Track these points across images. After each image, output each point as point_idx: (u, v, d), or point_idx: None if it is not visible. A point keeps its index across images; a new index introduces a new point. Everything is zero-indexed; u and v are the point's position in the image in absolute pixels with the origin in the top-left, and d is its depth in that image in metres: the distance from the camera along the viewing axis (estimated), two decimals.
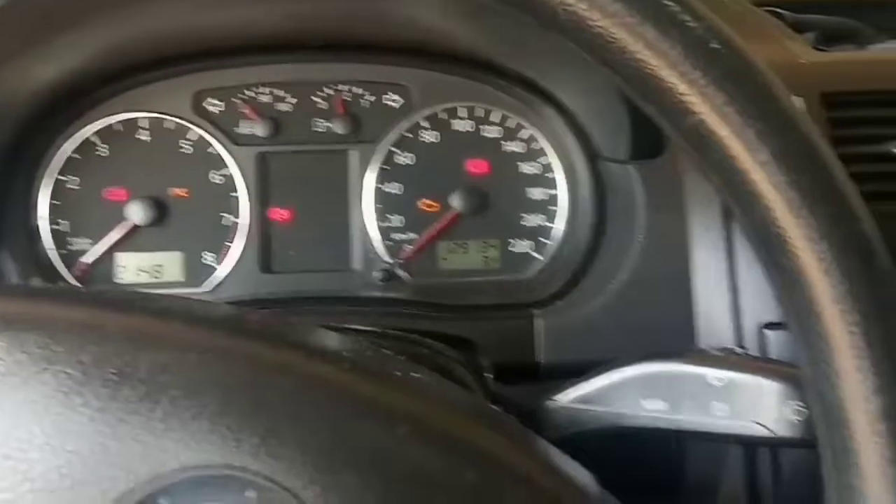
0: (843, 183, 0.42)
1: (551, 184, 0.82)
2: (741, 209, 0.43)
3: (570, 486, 0.45)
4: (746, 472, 0.70)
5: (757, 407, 0.53)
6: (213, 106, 0.81)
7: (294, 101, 0.82)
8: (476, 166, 0.82)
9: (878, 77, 0.76)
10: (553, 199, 0.81)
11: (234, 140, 0.81)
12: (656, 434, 0.56)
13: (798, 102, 0.71)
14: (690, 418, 0.55)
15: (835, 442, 0.42)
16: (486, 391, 0.65)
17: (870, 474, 0.41)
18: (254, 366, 0.43)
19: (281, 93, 0.81)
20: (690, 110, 0.42)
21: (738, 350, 0.57)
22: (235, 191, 0.80)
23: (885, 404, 0.41)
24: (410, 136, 0.82)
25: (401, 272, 0.81)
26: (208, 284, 0.80)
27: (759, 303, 0.70)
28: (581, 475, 0.46)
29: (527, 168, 0.82)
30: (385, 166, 0.81)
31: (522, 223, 0.82)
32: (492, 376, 0.66)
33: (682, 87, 0.42)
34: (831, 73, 0.76)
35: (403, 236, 0.82)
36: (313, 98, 0.82)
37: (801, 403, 0.51)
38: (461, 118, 0.82)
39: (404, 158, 0.82)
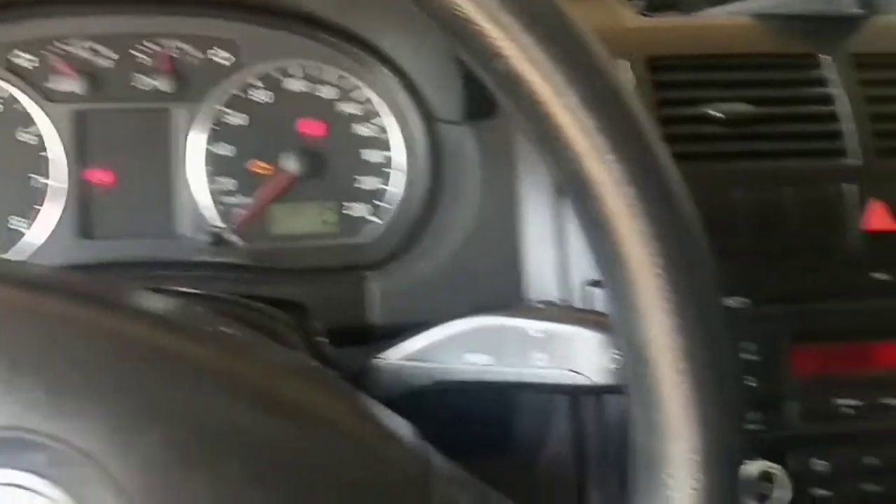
0: (650, 131, 0.43)
1: (388, 146, 0.81)
2: (552, 157, 0.43)
3: (391, 439, 0.45)
4: (572, 421, 0.72)
5: (574, 356, 0.54)
6: (24, 60, 0.76)
7: (115, 56, 0.77)
8: (310, 128, 0.80)
9: (700, 42, 0.78)
10: (389, 162, 0.80)
11: (48, 97, 0.76)
12: (481, 387, 0.56)
13: (623, 65, 0.73)
14: (513, 370, 0.55)
15: (640, 382, 0.43)
16: (316, 353, 0.63)
17: (672, 413, 0.42)
18: (46, 322, 0.41)
19: (100, 47, 0.77)
20: (500, 54, 0.41)
21: (559, 303, 0.58)
22: (46, 151, 0.76)
23: (687, 345, 0.42)
24: (241, 95, 0.79)
25: (231, 236, 0.79)
26: (19, 252, 0.75)
27: (585, 260, 0.72)
28: (402, 428, 0.46)
29: (363, 130, 0.81)
30: (215, 126, 0.78)
31: (358, 186, 0.80)
32: (325, 339, 0.65)
33: (493, 32, 0.42)
34: (656, 38, 0.78)
35: (235, 200, 0.79)
36: (135, 53, 0.78)
37: (616, 351, 0.52)
38: (294, 77, 0.80)
39: (235, 119, 0.79)
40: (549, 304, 0.58)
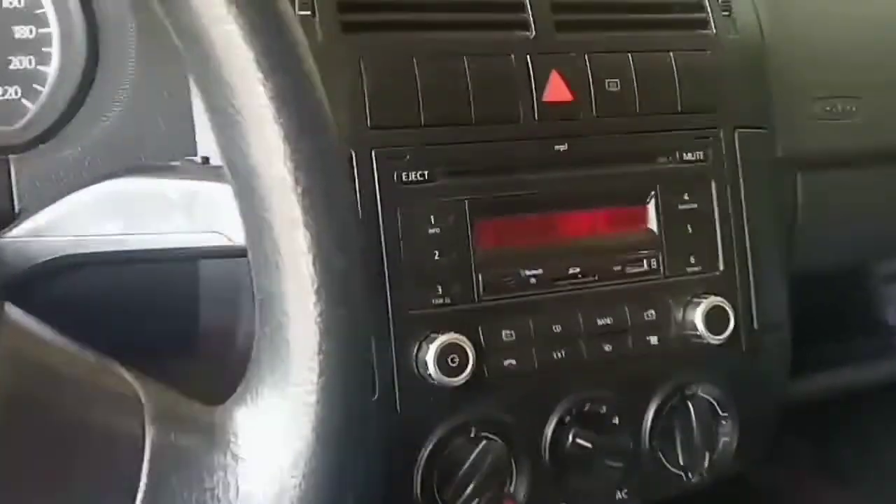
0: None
1: (41, 21, 0.72)
2: None
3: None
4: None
5: (217, 216, 0.50)
6: None
7: None
8: None
9: None
10: (43, 39, 0.72)
11: None
12: (120, 259, 0.51)
13: None
14: (151, 236, 0.50)
15: (253, 216, 0.39)
16: None
17: (286, 249, 0.39)
18: None
19: None
20: None
21: (199, 160, 0.54)
22: None
23: (308, 203, 0.38)
24: None
25: None
26: None
27: None
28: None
29: (13, 2, 0.71)
30: None
31: (10, 67, 0.71)
32: None
33: None
34: None
35: None
36: None
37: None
38: None
39: None
40: (190, 161, 0.53)
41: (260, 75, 0.37)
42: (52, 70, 0.71)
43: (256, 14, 0.38)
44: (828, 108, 0.91)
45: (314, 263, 0.37)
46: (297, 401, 0.37)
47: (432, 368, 0.68)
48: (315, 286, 0.37)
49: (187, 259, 0.57)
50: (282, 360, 0.38)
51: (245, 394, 0.39)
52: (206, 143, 0.68)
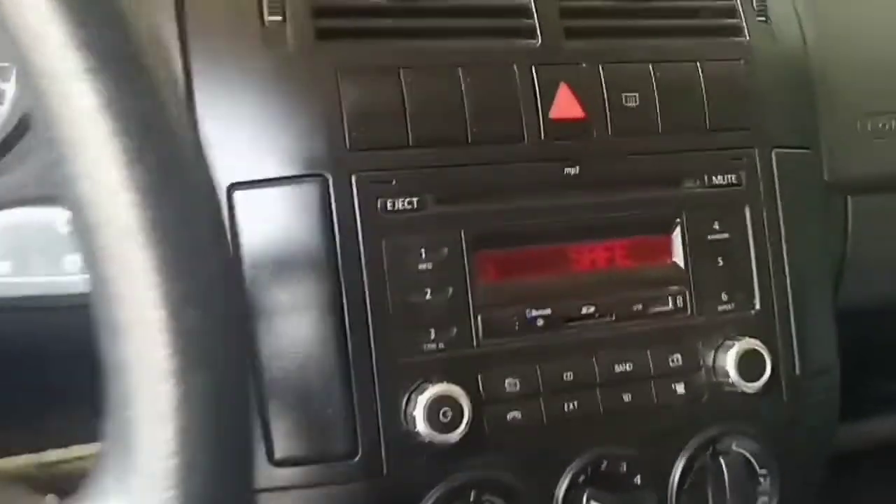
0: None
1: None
2: None
3: None
4: None
5: None
6: None
7: None
8: None
9: None
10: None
11: None
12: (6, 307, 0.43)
13: None
14: (38, 280, 0.42)
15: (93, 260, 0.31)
16: None
17: (132, 336, 0.31)
18: None
19: None
20: None
21: None
22: None
23: (157, 251, 0.30)
24: None
25: None
26: None
27: (227, 164, 0.60)
28: None
29: None
30: None
31: None
32: None
33: None
34: None
35: None
36: None
37: None
38: None
39: None
40: None
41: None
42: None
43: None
44: (881, 125, 0.82)
45: (163, 322, 0.29)
46: (146, 495, 0.29)
47: (422, 424, 0.59)
48: (164, 349, 0.29)
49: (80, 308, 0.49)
50: (126, 444, 0.30)
51: (89, 489, 0.30)
52: None
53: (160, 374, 0.29)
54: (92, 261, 0.30)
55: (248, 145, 0.60)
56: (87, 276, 0.41)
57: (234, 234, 0.60)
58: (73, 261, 0.41)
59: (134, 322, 0.29)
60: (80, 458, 0.92)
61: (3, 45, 0.31)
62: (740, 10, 0.73)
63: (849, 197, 0.81)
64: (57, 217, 0.41)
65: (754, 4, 0.74)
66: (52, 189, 0.48)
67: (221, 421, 0.30)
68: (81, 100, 0.29)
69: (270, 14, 0.60)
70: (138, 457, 0.29)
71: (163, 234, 0.29)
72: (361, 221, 0.60)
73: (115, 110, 0.29)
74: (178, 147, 0.31)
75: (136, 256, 0.29)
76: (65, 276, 0.41)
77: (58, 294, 0.42)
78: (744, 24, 0.73)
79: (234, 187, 0.60)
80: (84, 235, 0.30)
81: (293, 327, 0.59)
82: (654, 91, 0.67)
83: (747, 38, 0.72)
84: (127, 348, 0.29)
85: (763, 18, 0.74)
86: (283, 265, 0.60)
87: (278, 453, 0.60)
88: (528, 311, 0.64)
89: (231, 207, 0.60)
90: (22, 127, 0.60)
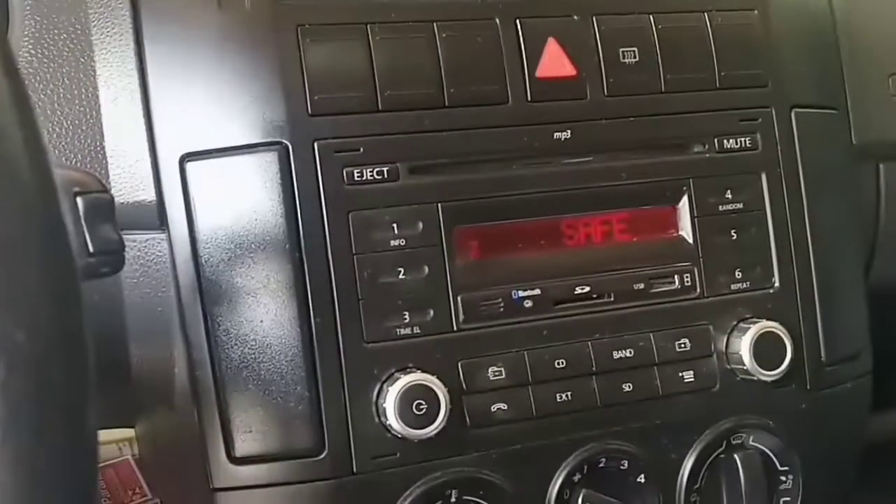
0: None
1: None
2: None
3: None
4: None
5: None
6: None
7: None
8: None
9: None
10: None
11: None
12: None
13: None
14: None
15: None
16: None
17: None
18: None
19: None
20: None
21: None
22: None
23: None
24: None
25: None
26: None
27: (179, 132, 0.55)
28: None
29: None
30: None
31: None
32: None
33: None
34: None
35: None
36: None
37: None
38: None
39: None
40: None
41: None
42: None
43: None
44: None
45: None
46: None
47: (393, 418, 0.53)
48: None
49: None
50: None
51: None
52: (114, 136, 0.57)
53: None
54: None
55: (202, 113, 0.56)
56: None
57: (188, 209, 0.55)
58: None
59: None
60: None
61: None
62: None
63: (881, 164, 0.74)
64: None
65: None
66: None
67: (30, 435, 0.25)
68: None
69: None
70: None
71: None
72: (325, 193, 0.54)
73: None
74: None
75: None
76: None
77: None
78: None
79: (186, 158, 0.55)
80: None
81: (252, 311, 0.54)
82: (655, 45, 0.61)
83: None
84: None
85: None
86: (239, 242, 0.54)
87: (239, 450, 0.55)
88: (514, 291, 0.58)
89: (184, 179, 0.55)
90: None
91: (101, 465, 0.92)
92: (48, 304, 0.26)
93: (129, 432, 0.93)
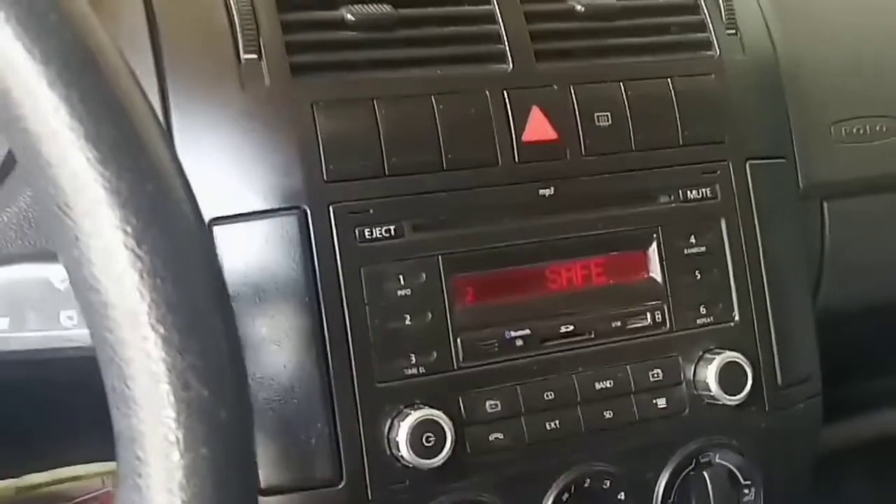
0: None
1: None
2: None
3: None
4: None
5: None
6: None
7: None
8: None
9: None
10: None
11: None
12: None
13: None
14: (36, 335, 0.43)
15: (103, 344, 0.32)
16: None
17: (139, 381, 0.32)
18: None
19: None
20: None
21: None
22: None
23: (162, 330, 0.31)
24: None
25: None
26: None
27: (206, 199, 0.60)
28: None
29: None
30: None
31: None
32: None
33: None
34: None
35: None
36: None
37: None
38: None
39: None
40: None
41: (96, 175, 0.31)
42: None
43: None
44: (855, 130, 0.83)
45: (168, 396, 0.30)
46: None
47: (405, 450, 0.60)
48: (171, 423, 0.30)
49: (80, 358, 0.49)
50: None
51: None
52: None
53: (169, 447, 0.30)
54: (99, 337, 0.31)
55: (226, 181, 0.61)
56: (84, 331, 0.42)
57: None
58: (70, 315, 0.42)
59: (142, 398, 0.30)
60: (58, 482, 0.92)
61: None
62: (709, 23, 0.73)
63: (824, 202, 0.81)
64: (53, 273, 0.42)
65: (723, 17, 0.74)
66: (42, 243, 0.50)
67: (230, 484, 0.31)
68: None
69: (246, 52, 0.60)
70: None
71: (168, 313, 0.30)
72: (340, 251, 0.60)
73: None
74: (186, 225, 0.32)
75: (142, 335, 0.30)
76: (62, 330, 0.42)
77: (54, 347, 0.43)
78: (713, 37, 0.73)
79: (213, 222, 0.60)
80: (90, 312, 0.31)
81: (275, 357, 0.60)
82: (626, 109, 0.68)
83: (717, 51, 0.73)
84: (137, 422, 0.30)
85: (732, 31, 0.74)
86: (264, 297, 0.60)
87: (263, 482, 0.60)
88: (506, 332, 0.64)
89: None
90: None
91: (87, 496, 0.96)
92: (236, 373, 0.32)
93: (111, 466, 0.97)
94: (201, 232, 0.33)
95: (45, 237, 0.54)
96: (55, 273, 0.43)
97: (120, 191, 0.31)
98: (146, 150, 0.32)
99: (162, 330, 0.30)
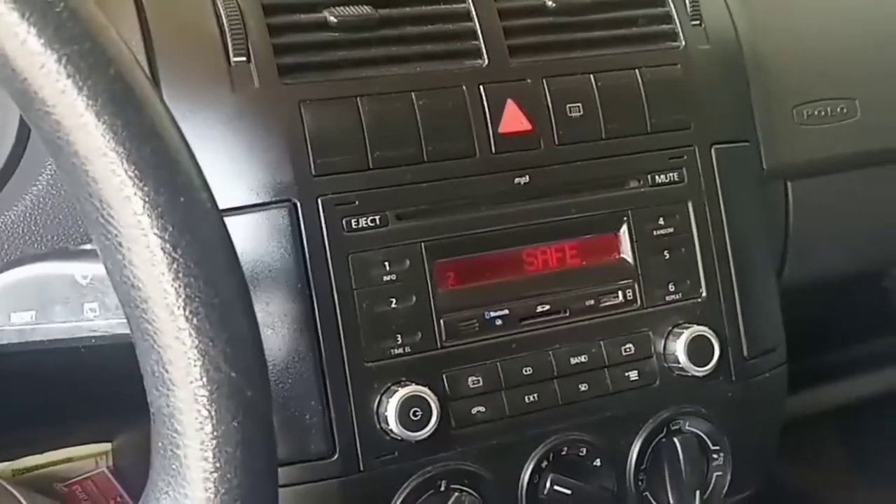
0: None
1: None
2: None
3: None
4: None
5: None
6: None
7: None
8: None
9: None
10: None
11: None
12: (34, 352, 0.48)
13: None
14: (61, 325, 0.47)
15: (139, 327, 0.36)
16: None
17: (174, 359, 0.36)
18: None
19: None
20: None
21: None
22: None
23: (192, 314, 0.36)
24: None
25: None
26: None
27: None
28: None
29: None
30: None
31: None
32: None
33: None
34: None
35: None
36: None
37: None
38: None
39: None
40: None
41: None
42: None
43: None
44: (815, 112, 0.87)
45: (202, 377, 0.35)
46: None
47: (394, 424, 0.64)
48: (205, 401, 0.35)
49: (101, 347, 0.54)
50: (175, 478, 0.36)
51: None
52: None
53: (203, 420, 0.35)
54: (139, 328, 0.35)
55: (219, 177, 0.64)
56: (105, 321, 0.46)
57: None
58: (93, 307, 0.46)
59: (179, 380, 0.35)
60: (53, 464, 0.97)
61: None
62: (675, 15, 0.77)
63: (788, 182, 0.86)
64: (76, 269, 0.47)
65: (688, 9, 0.78)
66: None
67: (256, 450, 0.36)
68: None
69: (235, 55, 0.64)
70: (189, 489, 0.35)
71: (201, 306, 0.35)
72: (329, 240, 0.64)
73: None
74: (213, 231, 0.37)
75: (178, 325, 0.34)
76: (85, 321, 0.46)
77: (77, 337, 0.47)
78: (679, 28, 0.77)
79: None
80: (131, 307, 0.35)
81: (270, 342, 0.64)
82: (596, 100, 0.72)
83: (683, 42, 0.77)
84: (175, 400, 0.35)
85: (697, 22, 0.78)
86: (258, 285, 0.64)
87: None
88: (486, 312, 0.69)
89: None
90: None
91: (81, 477, 1.00)
92: (258, 358, 0.37)
93: (104, 447, 1.01)
94: (225, 236, 0.38)
95: (57, 235, 0.58)
96: (78, 269, 0.47)
97: (158, 204, 0.35)
98: (179, 169, 0.36)
99: (196, 321, 0.35)
